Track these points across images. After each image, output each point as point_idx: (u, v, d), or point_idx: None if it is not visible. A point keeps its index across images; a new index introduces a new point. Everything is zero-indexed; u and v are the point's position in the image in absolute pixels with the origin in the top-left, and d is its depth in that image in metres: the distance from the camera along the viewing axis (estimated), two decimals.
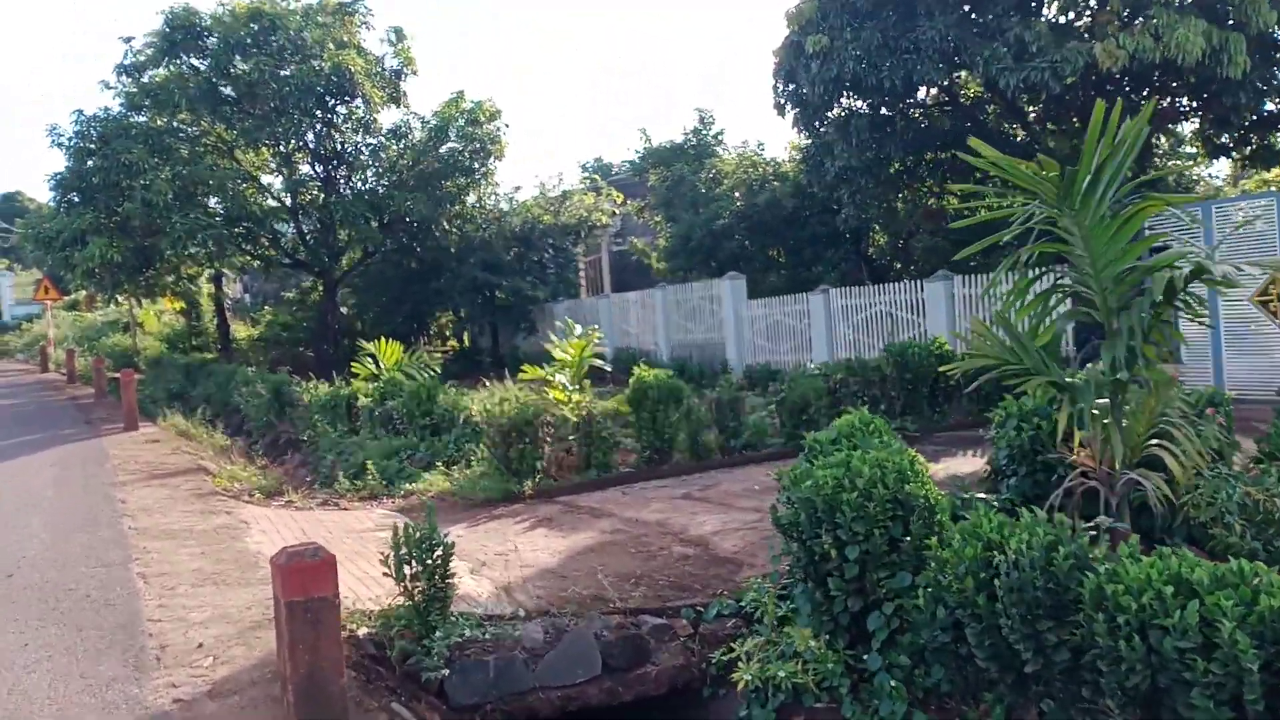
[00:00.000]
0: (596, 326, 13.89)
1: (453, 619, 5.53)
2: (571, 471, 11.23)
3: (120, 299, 28.20)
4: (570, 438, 11.47)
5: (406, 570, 5.41)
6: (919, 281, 16.80)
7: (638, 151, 26.81)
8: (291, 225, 26.55)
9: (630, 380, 11.74)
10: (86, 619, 5.84)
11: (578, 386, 12.33)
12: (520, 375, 12.66)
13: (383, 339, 18.54)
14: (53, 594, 6.39)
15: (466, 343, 35.09)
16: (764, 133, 71.29)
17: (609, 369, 14.79)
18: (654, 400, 11.50)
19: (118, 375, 19.37)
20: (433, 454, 12.72)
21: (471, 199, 26.68)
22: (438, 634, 5.32)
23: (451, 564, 5.49)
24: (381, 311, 30.71)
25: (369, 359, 18.57)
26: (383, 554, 5.48)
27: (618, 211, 30.55)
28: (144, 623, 5.71)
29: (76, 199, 22.69)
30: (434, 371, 18.54)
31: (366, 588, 6.55)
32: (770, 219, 22.28)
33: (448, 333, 36.71)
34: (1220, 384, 11.91)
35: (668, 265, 25.88)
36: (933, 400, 13.05)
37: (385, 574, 5.47)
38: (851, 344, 18.22)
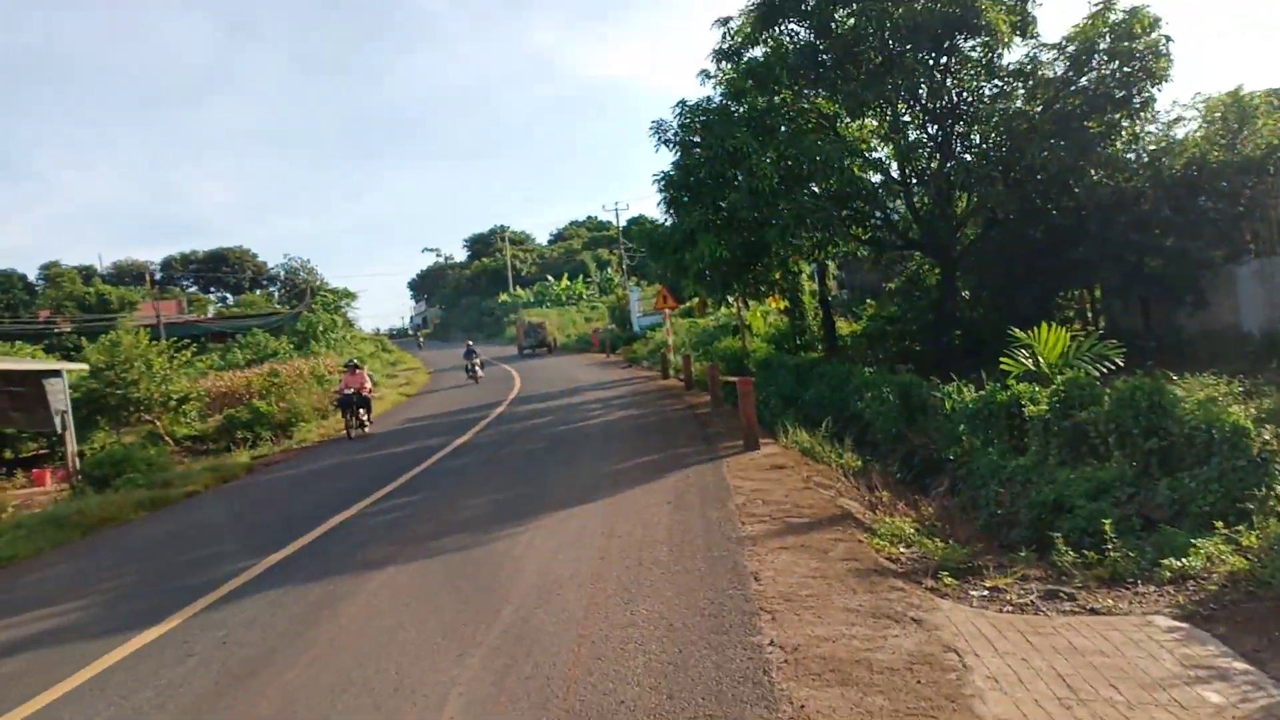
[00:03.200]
0: None
1: None
2: None
3: (730, 301, 27.50)
4: None
5: None
6: None
7: None
8: (903, 200, 23.36)
9: None
10: None
11: None
12: None
13: (1042, 326, 14.32)
14: None
15: (1102, 325, 28.98)
16: None
17: None
18: None
19: (732, 379, 17.73)
20: (1178, 498, 8.23)
21: (1122, 140, 21.00)
22: None
23: None
24: (1000, 294, 26.17)
25: (1023, 351, 14.48)
26: None
27: None
28: None
29: (686, 198, 21.83)
30: (1114, 364, 13.94)
31: None
32: None
33: (1071, 313, 30.86)
34: None
35: None
36: None
37: None
38: None
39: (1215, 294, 23.31)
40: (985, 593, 6.31)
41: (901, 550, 7.43)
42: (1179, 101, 32.64)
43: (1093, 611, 5.90)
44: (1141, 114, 20.56)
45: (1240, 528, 7.04)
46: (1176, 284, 23.12)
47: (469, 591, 7.30)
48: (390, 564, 8.57)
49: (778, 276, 25.03)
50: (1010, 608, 6.02)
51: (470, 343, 41.39)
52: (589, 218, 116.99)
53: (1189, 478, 8.24)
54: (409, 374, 43.97)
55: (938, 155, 22.57)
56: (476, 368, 36.36)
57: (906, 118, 22.72)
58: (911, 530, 8.01)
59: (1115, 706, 4.29)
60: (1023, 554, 7.19)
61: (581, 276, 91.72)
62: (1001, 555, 8.76)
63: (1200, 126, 23.07)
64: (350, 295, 69.43)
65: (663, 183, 22.44)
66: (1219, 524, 7.07)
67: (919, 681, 4.59)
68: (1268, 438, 7.52)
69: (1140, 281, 23.69)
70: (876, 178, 23.94)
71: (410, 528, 10.23)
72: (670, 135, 22.04)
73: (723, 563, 7.13)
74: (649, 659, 5.24)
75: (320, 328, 51.96)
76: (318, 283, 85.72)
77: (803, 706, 4.41)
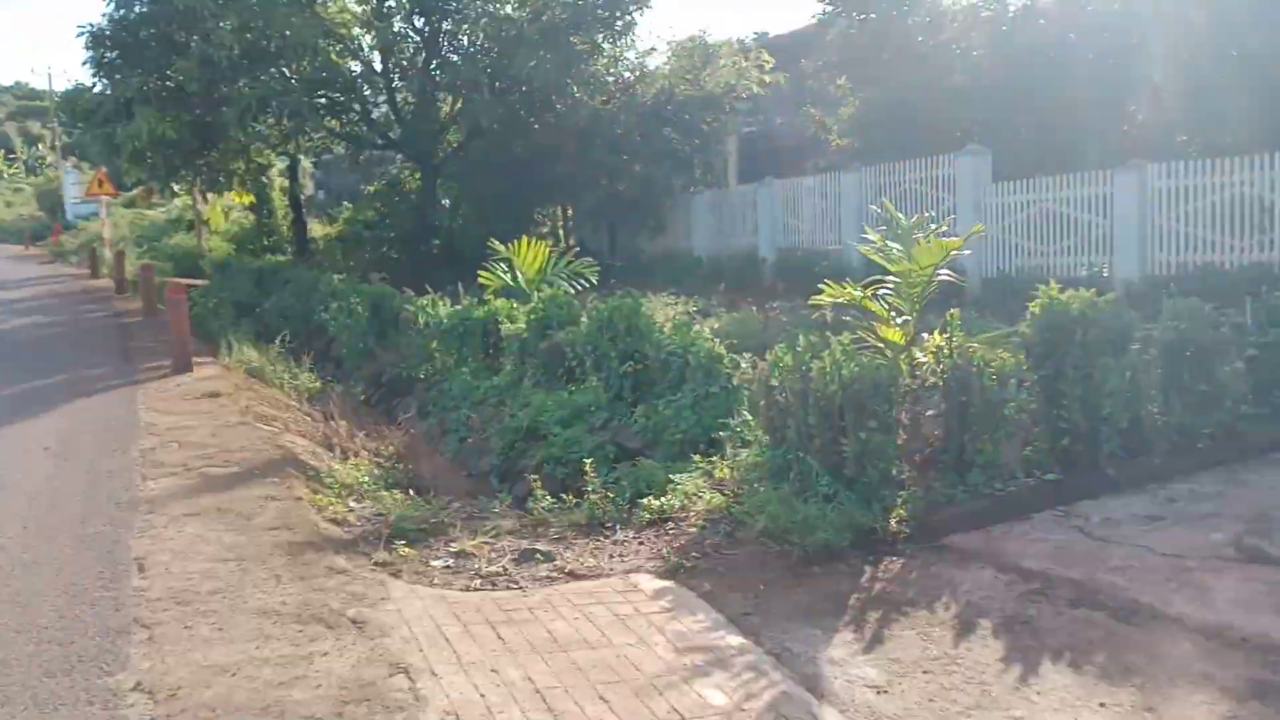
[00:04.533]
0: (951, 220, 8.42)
1: None
2: (928, 475, 6.19)
3: (179, 190, 23.67)
4: (928, 413, 6.45)
5: None
6: None
7: None
8: (384, 96, 21.49)
9: (1033, 306, 6.58)
10: None
11: (913, 317, 7.21)
12: (815, 298, 7.51)
13: (522, 240, 13.59)
14: None
15: (572, 244, 29.88)
16: None
17: (973, 288, 9.54)
18: (1081, 344, 6.37)
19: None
20: (653, 425, 7.82)
21: (603, 61, 21.17)
22: None
23: None
24: (481, 205, 25.63)
25: (501, 265, 13.67)
26: None
27: (768, 79, 24.74)
28: None
29: (118, 58, 17.84)
30: (589, 282, 13.75)
31: None
32: (1017, 76, 16.43)
33: (547, 229, 31.52)
34: None
35: (853, 142, 20.22)
36: None
37: None
38: (1183, 242, 12.70)
39: (673, 220, 24.92)
40: (450, 561, 5.11)
41: (352, 507, 5.97)
42: (654, 33, 34.45)
43: (572, 575, 4.98)
44: (623, 38, 20.85)
45: (715, 459, 6.68)
46: (641, 208, 24.30)
47: None
48: None
49: (240, 167, 21.94)
50: (480, 580, 4.87)
51: None
52: (18, 83, 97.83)
53: (664, 404, 7.86)
54: None
55: (423, 51, 21.07)
56: None
57: (392, 4, 20.83)
58: (367, 478, 6.58)
59: None
60: (496, 506, 6.13)
61: (3, 153, 76.50)
62: (474, 493, 7.77)
63: (670, 60, 24.24)
64: None
65: (90, 37, 18.17)
66: (697, 457, 6.62)
67: None
68: (745, 366, 7.29)
69: (609, 203, 24.55)
70: (357, 67, 21.81)
71: None
72: None
73: (99, 543, 5.09)
74: None
75: None
76: None
77: None
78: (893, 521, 5.52)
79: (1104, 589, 4.57)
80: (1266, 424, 6.83)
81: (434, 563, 5.05)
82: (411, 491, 6.45)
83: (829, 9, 19.24)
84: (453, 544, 5.30)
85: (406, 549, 5.15)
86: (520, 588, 4.77)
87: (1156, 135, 15.30)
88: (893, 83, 17.79)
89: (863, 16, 18.50)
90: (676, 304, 15.83)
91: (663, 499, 6.12)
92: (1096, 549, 5.12)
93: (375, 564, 4.94)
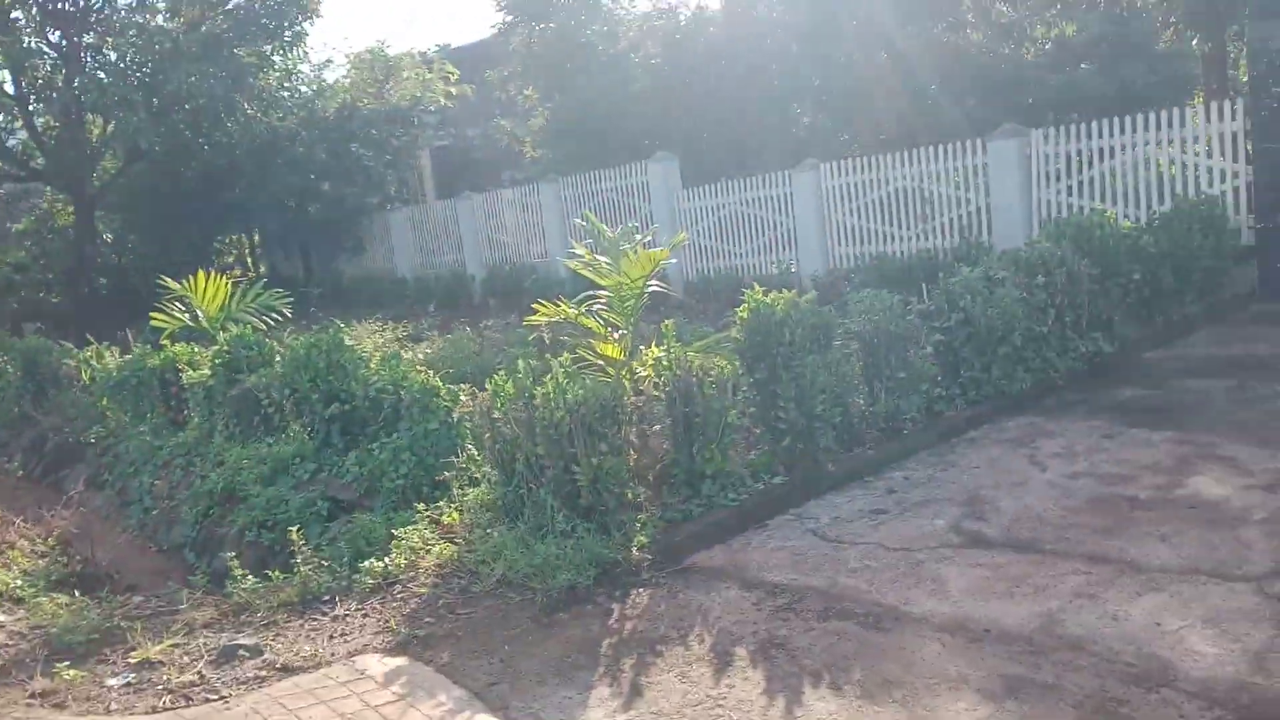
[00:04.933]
0: (654, 228, 8.26)
1: None
2: (661, 493, 6.03)
3: None
4: (654, 428, 6.28)
5: None
6: (976, 141, 12.30)
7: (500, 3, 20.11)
8: (20, 122, 18.82)
9: (740, 311, 6.58)
10: None
11: (629, 330, 7.06)
12: (530, 318, 7.15)
13: (199, 275, 12.21)
14: None
15: (263, 272, 27.74)
16: None
17: (676, 295, 9.43)
18: (789, 344, 6.45)
19: None
20: (368, 472, 7.16)
21: (276, 75, 19.77)
22: None
23: None
24: (152, 237, 23.24)
25: (178, 304, 12.26)
26: None
27: (454, 90, 24.30)
28: None
29: None
30: (282, 315, 12.68)
31: None
32: (695, 83, 17.06)
33: (232, 259, 29.17)
34: None
35: (547, 153, 20.21)
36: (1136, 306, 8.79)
37: None
38: (858, 236, 13.66)
39: (371, 240, 23.90)
40: (131, 677, 4.27)
41: (1, 622, 4.90)
42: (330, 45, 32.87)
43: (286, 670, 4.32)
44: (294, 49, 19.58)
45: (441, 503, 6.18)
46: (335, 230, 23.06)
47: None
48: None
49: None
50: (170, 696, 4.09)
51: None
52: None
53: (379, 448, 7.22)
54: None
55: (64, 69, 18.70)
56: None
57: (19, 16, 18.32)
58: (20, 580, 5.46)
59: None
60: (185, 595, 5.26)
61: None
62: (166, 574, 6.82)
63: (350, 73, 23.16)
64: None
65: None
66: (421, 505, 6.09)
67: None
68: (464, 398, 6.82)
69: (300, 226, 23.11)
70: None
71: None
72: None
73: None
74: None
75: None
76: None
77: None
78: (634, 549, 5.31)
79: (848, 594, 4.56)
80: (957, 404, 7.30)
81: (110, 682, 4.20)
82: (77, 592, 5.41)
83: (508, 19, 19.08)
84: (133, 653, 4.43)
85: (72, 670, 4.24)
86: (222, 697, 4.05)
87: (824, 135, 16.42)
88: (578, 92, 17.92)
89: (541, 26, 18.50)
90: (384, 331, 15.05)
91: (386, 559, 5.55)
92: (833, 551, 5.15)
93: (32, 696, 4.02)
